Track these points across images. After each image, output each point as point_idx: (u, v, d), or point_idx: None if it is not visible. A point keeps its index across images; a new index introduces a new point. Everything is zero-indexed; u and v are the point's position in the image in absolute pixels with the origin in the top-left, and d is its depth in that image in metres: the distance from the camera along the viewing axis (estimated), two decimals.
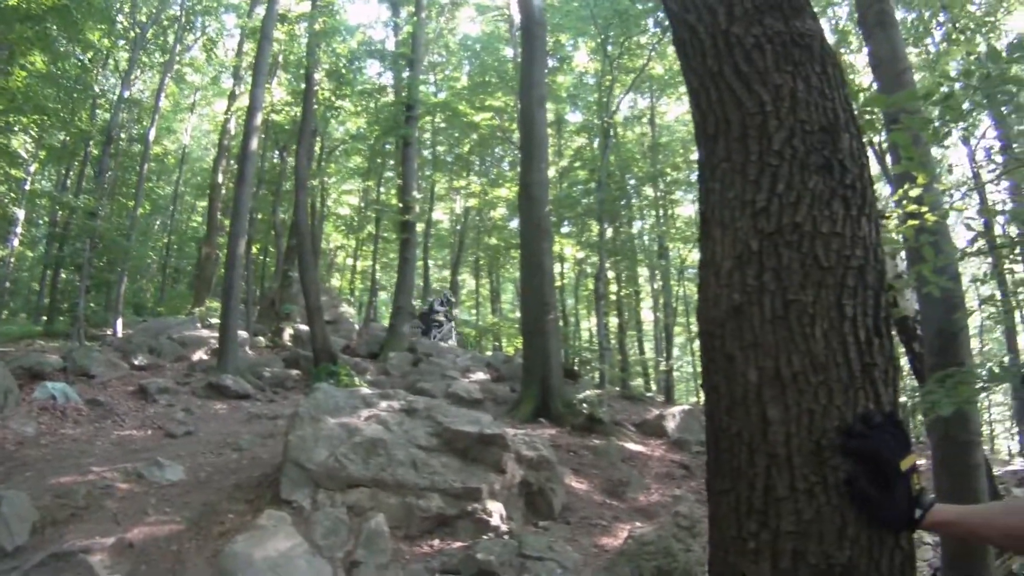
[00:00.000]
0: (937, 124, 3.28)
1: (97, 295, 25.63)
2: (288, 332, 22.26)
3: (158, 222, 34.67)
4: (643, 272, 32.79)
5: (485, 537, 7.40)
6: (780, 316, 1.88)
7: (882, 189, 9.30)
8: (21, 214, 25.32)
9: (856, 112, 2.32)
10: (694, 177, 29.95)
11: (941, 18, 12.63)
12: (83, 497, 7.49)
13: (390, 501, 7.53)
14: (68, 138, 23.78)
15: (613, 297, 28.57)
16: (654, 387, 29.24)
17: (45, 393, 11.91)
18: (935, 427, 5.21)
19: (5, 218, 24.45)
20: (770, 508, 1.78)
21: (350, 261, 36.98)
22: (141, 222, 27.70)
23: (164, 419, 11.89)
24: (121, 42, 24.90)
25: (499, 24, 31.43)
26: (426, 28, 27.37)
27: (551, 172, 23.39)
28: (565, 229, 28.57)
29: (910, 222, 4.08)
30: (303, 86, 22.13)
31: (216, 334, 17.81)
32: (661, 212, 30.53)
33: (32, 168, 25.32)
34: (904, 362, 6.54)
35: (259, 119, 19.04)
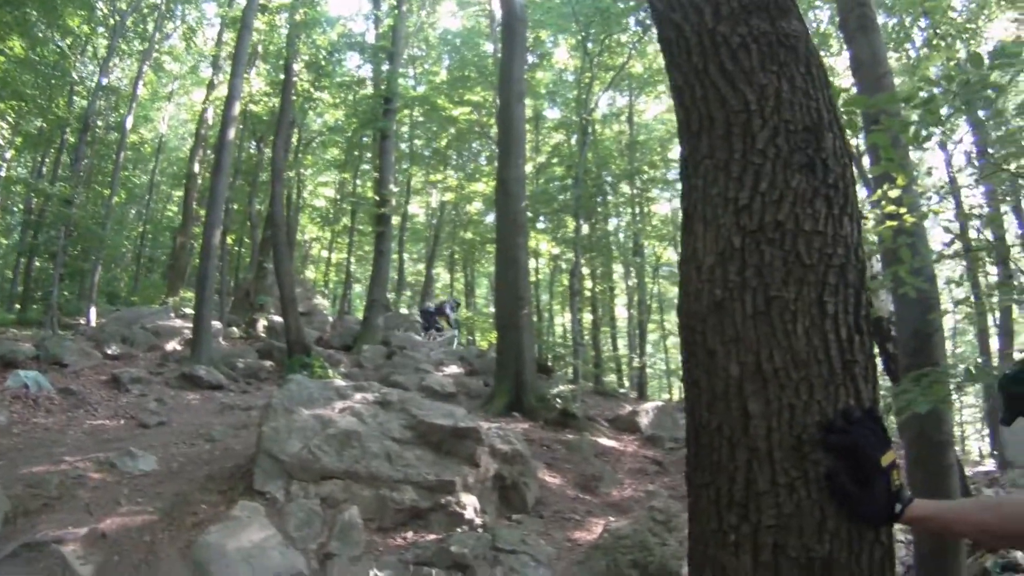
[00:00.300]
0: (916, 128, 3.32)
1: (71, 284, 25.33)
2: (262, 323, 22.12)
3: (133, 211, 34.28)
4: (618, 269, 32.90)
5: (459, 530, 7.42)
6: (762, 312, 1.89)
7: (859, 191, 9.36)
8: None
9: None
10: (671, 175, 30.21)
11: (923, 23, 12.76)
12: (56, 487, 7.42)
13: (364, 493, 7.52)
14: (45, 125, 23.45)
15: (588, 293, 28.61)
16: (627, 383, 29.34)
17: (18, 381, 11.76)
18: (908, 426, 5.28)
19: None
20: (751, 502, 1.80)
21: (325, 253, 36.78)
22: (116, 211, 27.38)
23: (137, 409, 11.79)
24: (100, 29, 24.56)
25: (480, 19, 31.36)
26: (407, 21, 27.25)
27: (528, 168, 23.40)
28: (541, 225, 28.58)
29: (888, 223, 4.13)
30: (282, 77, 21.97)
31: (190, 324, 17.68)
32: (637, 210, 30.60)
33: (8, 155, 24.96)
34: (877, 363, 6.60)
35: (237, 109, 18.91)
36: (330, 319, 26.23)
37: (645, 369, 29.11)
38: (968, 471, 10.50)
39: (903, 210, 4.12)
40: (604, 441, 13.15)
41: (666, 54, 2.38)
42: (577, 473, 10.86)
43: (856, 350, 1.92)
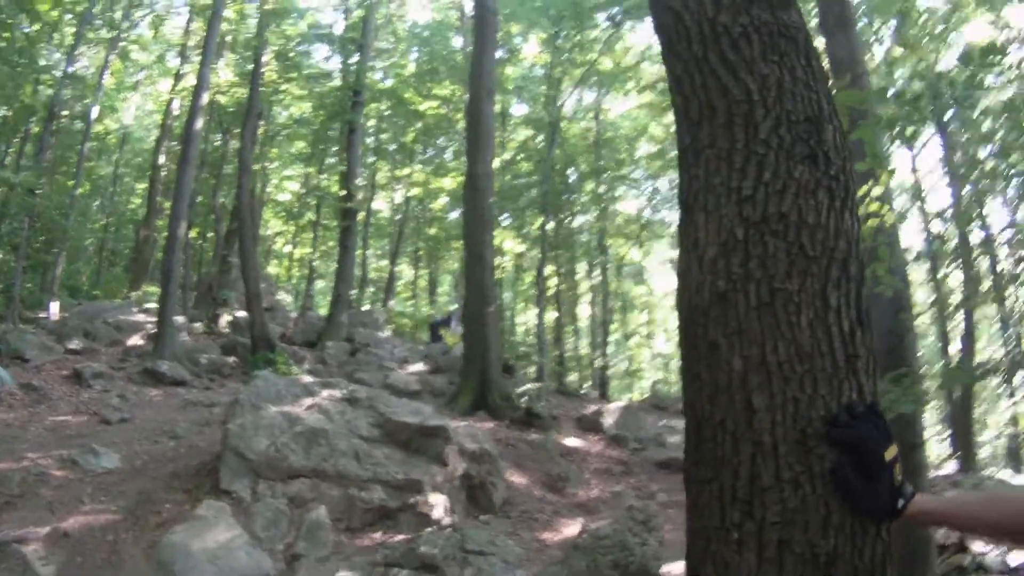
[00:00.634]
0: (903, 124, 3.32)
1: (32, 276, 24.74)
2: (225, 318, 21.80)
3: (96, 203, 33.56)
4: (581, 268, 32.97)
5: (427, 530, 7.32)
6: (766, 304, 1.86)
7: None
8: None
9: None
10: (637, 174, 30.37)
11: (891, 24, 12.88)
12: (17, 484, 7.24)
13: (332, 492, 7.42)
14: (11, 113, 22.89)
15: (551, 292, 28.62)
16: (588, 383, 29.40)
17: None
18: None
19: None
20: (755, 497, 1.77)
21: (288, 248, 36.40)
22: (80, 202, 26.79)
23: (99, 405, 11.55)
24: (68, 16, 24.03)
25: (450, 12, 31.20)
26: (376, 13, 27.03)
27: (494, 164, 23.35)
28: (505, 221, 28.53)
29: (870, 221, 4.14)
30: (250, 67, 21.68)
31: (152, 319, 17.43)
32: (602, 208, 30.65)
33: None
34: None
35: (205, 99, 18.64)
36: (293, 315, 25.97)
37: (607, 369, 29.20)
38: (930, 474, 10.65)
39: (885, 208, 4.13)
40: (569, 441, 13.14)
41: (663, 42, 2.36)
42: (543, 473, 10.83)
43: (858, 344, 1.90)
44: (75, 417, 10.85)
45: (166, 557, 5.80)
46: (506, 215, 27.76)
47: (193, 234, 26.49)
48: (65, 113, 24.78)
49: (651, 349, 39.13)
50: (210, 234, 28.31)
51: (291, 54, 24.52)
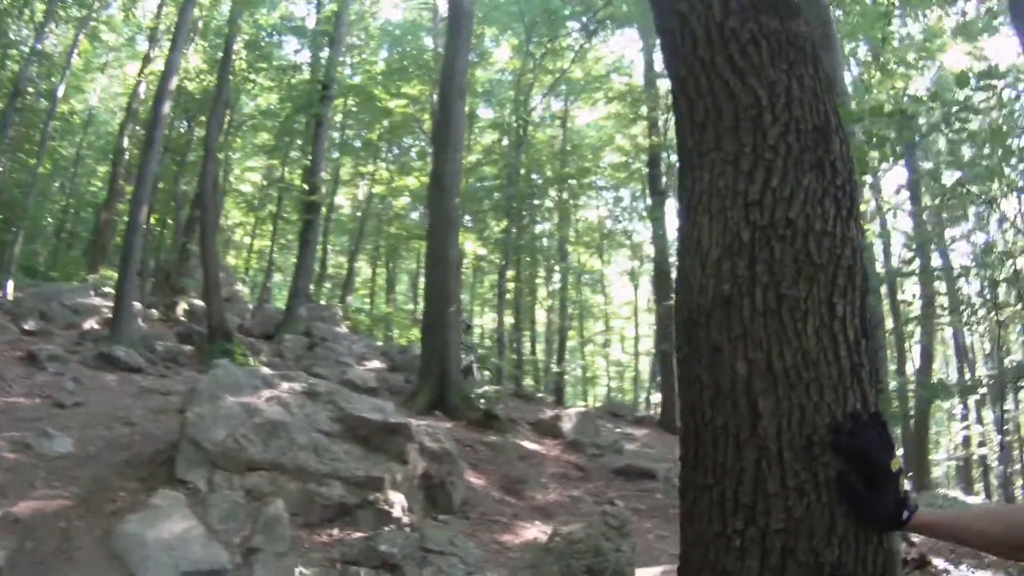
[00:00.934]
0: (891, 143, 3.35)
1: None
2: (182, 306, 21.45)
3: (57, 184, 32.82)
4: (540, 274, 33.05)
5: (386, 528, 7.24)
6: (773, 309, 1.85)
7: None
8: None
9: None
10: (601, 182, 30.53)
11: (863, 50, 13.07)
12: None
13: (290, 487, 7.28)
14: None
15: (510, 296, 28.65)
16: (544, 388, 29.43)
17: None
18: None
19: None
20: (759, 504, 1.75)
21: (247, 240, 35.96)
22: (41, 182, 26.19)
23: (53, 388, 11.24)
24: None
25: (423, 12, 31.05)
26: (349, 8, 26.84)
27: None
28: (467, 224, 28.49)
29: None
30: (220, 55, 21.39)
31: (109, 303, 17.08)
32: (564, 215, 30.74)
33: None
34: None
35: (174, 83, 18.33)
36: (250, 307, 25.68)
37: (563, 375, 29.29)
38: None
39: (868, 226, 4.16)
40: (527, 444, 13.12)
41: (666, 43, 2.36)
42: (501, 475, 10.78)
43: (862, 353, 1.90)
44: (28, 399, 10.55)
45: (120, 547, 5.66)
46: (467, 217, 27.72)
47: (153, 220, 26.08)
48: (31, 90, 24.26)
49: (607, 358, 39.36)
50: (170, 221, 27.89)
51: (262, 44, 24.21)
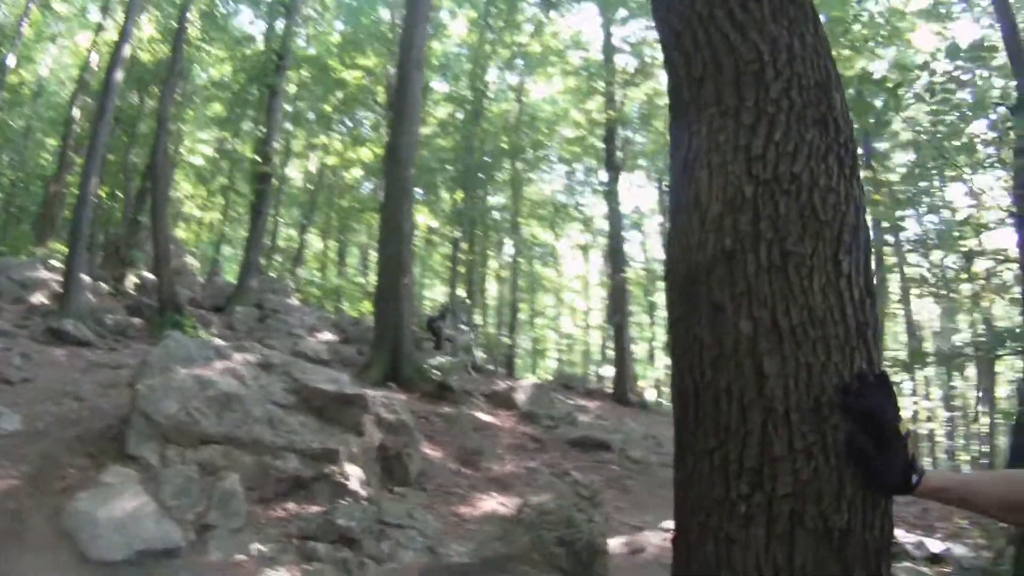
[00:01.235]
0: (877, 114, 3.30)
1: None
2: (132, 279, 20.95)
3: (6, 158, 31.70)
4: (492, 246, 33.00)
5: (343, 502, 7.08)
6: (778, 266, 1.78)
7: None
8: None
9: None
10: (554, 156, 30.50)
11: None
12: None
13: (244, 460, 7.07)
14: None
15: (463, 269, 28.57)
16: (495, 360, 29.41)
17: None
18: None
19: None
20: (765, 468, 1.67)
21: (197, 212, 35.23)
22: None
23: (1, 363, 10.84)
24: None
25: None
26: None
27: None
28: (419, 196, 28.25)
29: None
30: (174, 24, 20.77)
31: (58, 277, 16.63)
32: (517, 188, 30.62)
33: None
34: None
35: (127, 51, 17.77)
36: (200, 280, 25.21)
37: (514, 347, 29.34)
38: None
39: None
40: (482, 416, 13.05)
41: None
42: (457, 447, 10.71)
43: (868, 313, 1.84)
44: None
45: (71, 525, 5.45)
46: (419, 190, 27.49)
47: (103, 193, 25.40)
48: None
49: (557, 330, 39.55)
50: (119, 194, 27.18)
51: (217, 14, 23.60)
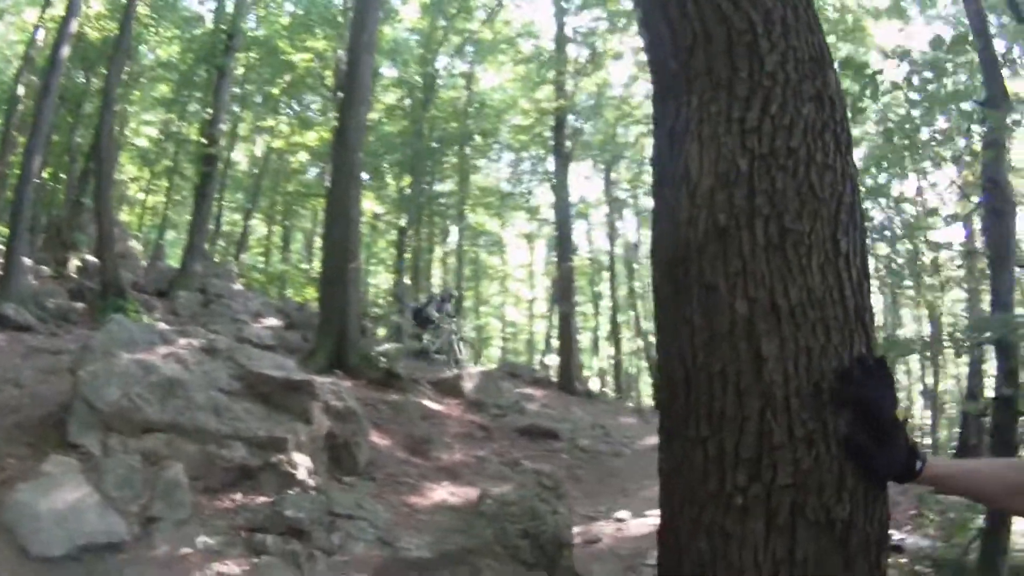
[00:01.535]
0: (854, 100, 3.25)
1: None
2: (75, 263, 20.28)
3: None
4: (437, 233, 32.87)
5: (291, 492, 6.86)
6: (775, 244, 1.69)
7: None
8: None
9: None
10: (500, 145, 30.41)
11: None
12: None
13: (189, 449, 6.81)
14: None
15: (408, 256, 28.34)
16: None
17: None
18: None
19: None
20: (764, 457, 1.58)
21: (141, 195, 34.33)
22: None
23: None
24: None
25: None
26: None
27: None
28: (366, 182, 27.96)
29: None
30: (123, 0, 20.12)
31: None
32: (464, 176, 30.47)
33: None
34: None
35: (75, 26, 17.15)
36: (143, 264, 24.58)
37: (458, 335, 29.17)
38: None
39: None
40: (429, 404, 12.88)
41: None
42: (405, 435, 10.54)
43: (866, 295, 1.76)
44: None
45: (10, 518, 5.16)
46: (366, 175, 27.19)
47: (46, 174, 24.62)
48: None
49: (502, 319, 39.52)
50: (62, 176, 26.38)
51: None
